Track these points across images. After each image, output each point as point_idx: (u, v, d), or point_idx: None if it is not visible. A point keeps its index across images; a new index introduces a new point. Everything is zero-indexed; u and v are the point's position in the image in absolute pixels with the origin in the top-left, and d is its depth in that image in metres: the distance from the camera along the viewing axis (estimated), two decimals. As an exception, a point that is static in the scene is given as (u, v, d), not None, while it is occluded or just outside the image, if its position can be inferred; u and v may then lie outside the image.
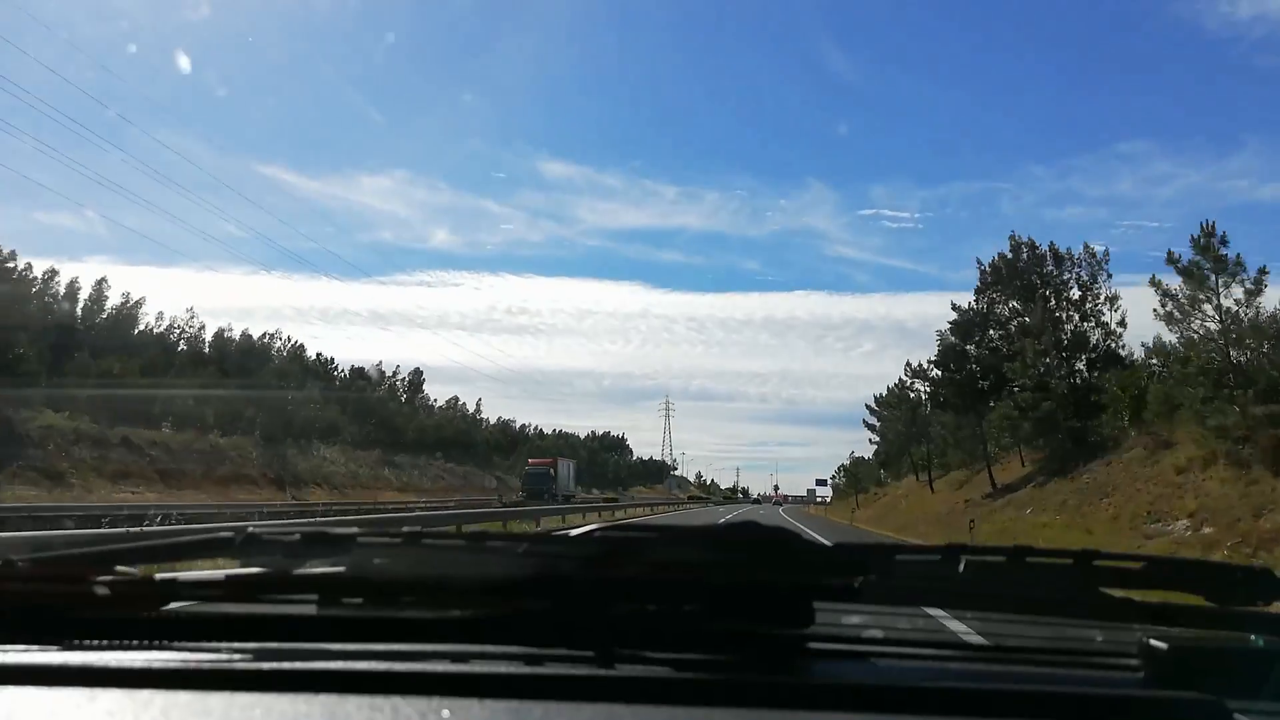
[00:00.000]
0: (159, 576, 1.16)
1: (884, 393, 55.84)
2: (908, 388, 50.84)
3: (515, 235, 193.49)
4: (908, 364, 48.76)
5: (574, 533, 1.24)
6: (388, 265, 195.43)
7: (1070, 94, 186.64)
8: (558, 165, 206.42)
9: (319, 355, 68.48)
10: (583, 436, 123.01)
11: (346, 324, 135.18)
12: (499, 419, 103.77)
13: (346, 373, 71.29)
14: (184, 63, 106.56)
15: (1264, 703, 1.01)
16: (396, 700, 0.91)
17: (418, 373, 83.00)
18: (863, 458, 79.32)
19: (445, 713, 0.89)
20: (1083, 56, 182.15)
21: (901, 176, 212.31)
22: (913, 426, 50.42)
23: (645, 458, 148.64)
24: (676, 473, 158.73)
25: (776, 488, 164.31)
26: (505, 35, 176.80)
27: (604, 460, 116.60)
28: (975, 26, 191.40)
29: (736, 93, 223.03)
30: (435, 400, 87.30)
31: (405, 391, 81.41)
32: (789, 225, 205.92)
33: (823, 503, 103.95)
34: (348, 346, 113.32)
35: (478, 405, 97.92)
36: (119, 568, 1.18)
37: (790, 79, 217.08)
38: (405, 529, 1.28)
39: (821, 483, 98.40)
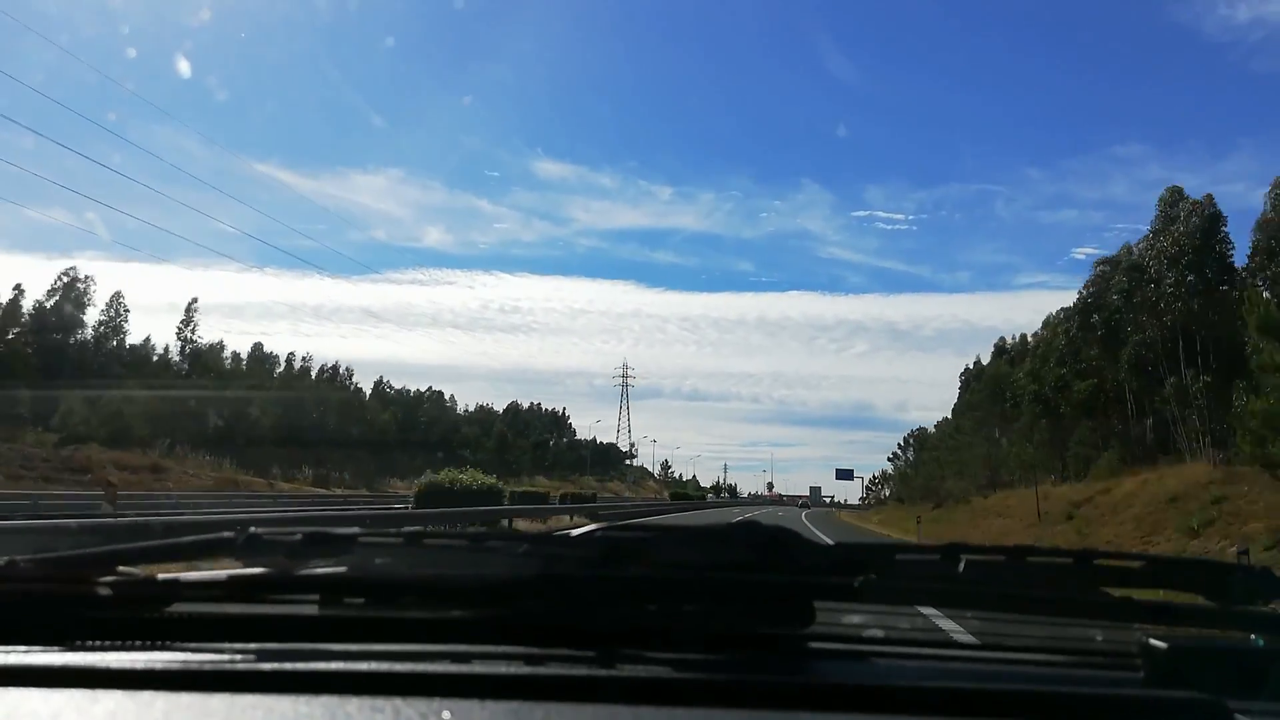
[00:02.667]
0: (161, 577, 1.17)
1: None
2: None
3: (509, 234, 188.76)
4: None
5: (574, 533, 1.25)
6: (381, 263, 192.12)
7: (1067, 96, 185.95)
8: (552, 165, 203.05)
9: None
10: (501, 410, 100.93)
11: (339, 322, 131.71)
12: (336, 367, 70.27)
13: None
14: (179, 60, 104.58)
15: (1264, 703, 1.01)
16: (397, 701, 0.91)
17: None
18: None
19: (446, 714, 0.89)
20: (1080, 59, 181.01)
21: (897, 178, 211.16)
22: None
23: (592, 441, 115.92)
24: (635, 463, 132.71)
25: (771, 485, 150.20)
26: (501, 34, 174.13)
27: (491, 442, 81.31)
28: (973, 28, 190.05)
29: (734, 93, 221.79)
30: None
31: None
32: (783, 227, 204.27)
33: (833, 505, 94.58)
34: (340, 345, 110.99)
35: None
36: (121, 568, 1.18)
37: (788, 79, 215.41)
38: (407, 529, 1.28)
39: (845, 475, 79.09)
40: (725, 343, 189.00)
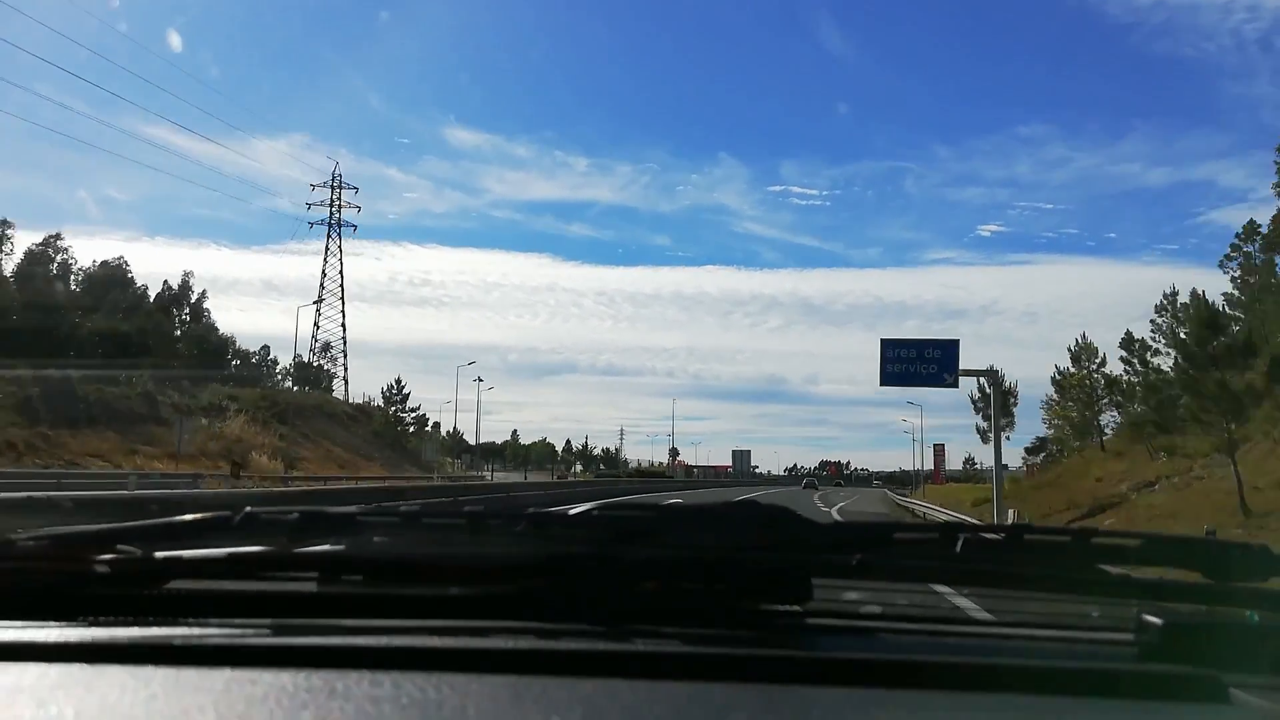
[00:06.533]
0: (160, 555, 1.17)
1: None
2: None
3: (419, 205, 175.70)
4: None
5: (572, 512, 1.25)
6: (282, 234, 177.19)
7: (974, 76, 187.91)
8: (465, 133, 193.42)
9: None
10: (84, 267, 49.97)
11: (237, 295, 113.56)
12: None
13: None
14: (62, 10, 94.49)
15: (1259, 677, 1.01)
16: (397, 675, 0.91)
17: None
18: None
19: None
20: (988, 39, 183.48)
21: (811, 154, 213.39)
22: None
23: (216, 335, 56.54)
24: (344, 384, 69.41)
25: (675, 453, 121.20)
26: None
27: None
28: (884, 8, 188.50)
29: (650, 64, 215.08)
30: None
31: None
32: (700, 201, 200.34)
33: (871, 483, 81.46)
34: (238, 319, 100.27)
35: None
36: (120, 546, 1.18)
37: (704, 52, 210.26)
38: (404, 508, 1.29)
39: (930, 370, 24.53)
40: (641, 317, 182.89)
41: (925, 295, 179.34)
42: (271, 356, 64.63)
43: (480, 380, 66.72)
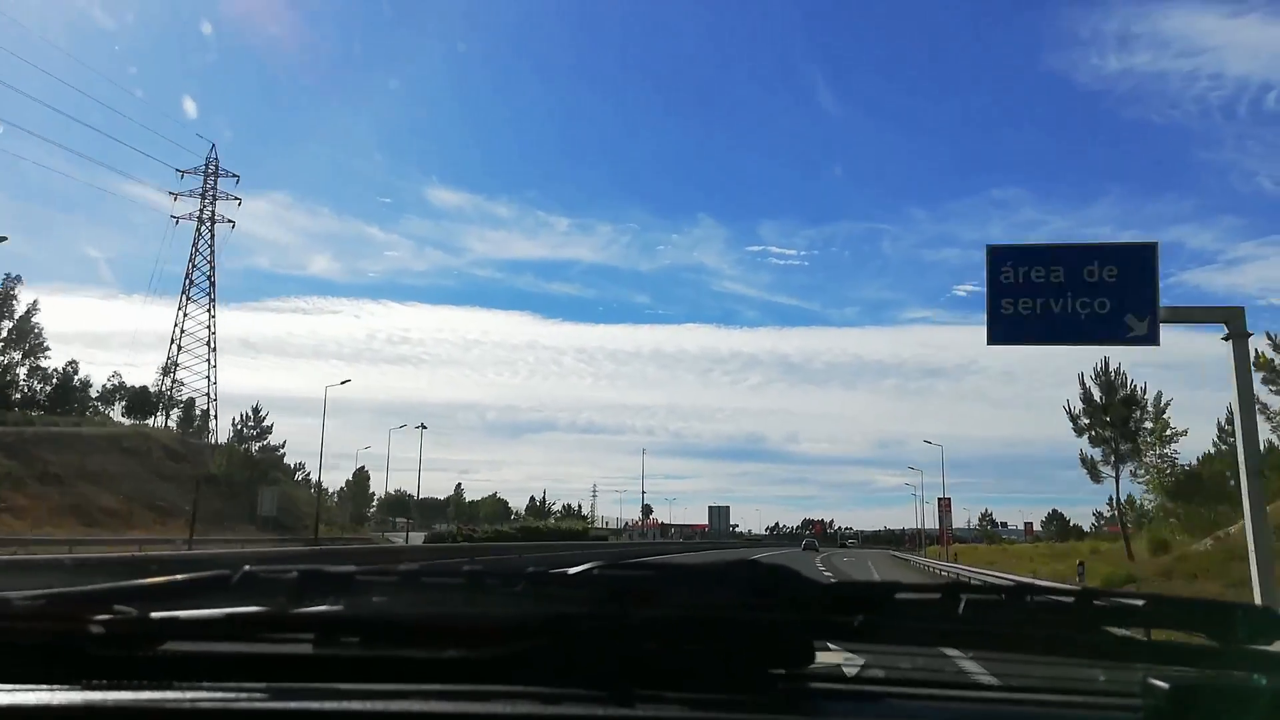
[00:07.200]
0: (157, 615, 1.16)
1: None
2: None
3: (400, 263, 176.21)
4: None
5: (571, 572, 1.24)
6: (260, 291, 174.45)
7: (950, 140, 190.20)
8: (447, 193, 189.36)
9: None
10: None
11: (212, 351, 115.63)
12: None
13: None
14: (44, 71, 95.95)
15: None
16: None
17: None
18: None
19: None
20: (962, 104, 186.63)
21: (789, 215, 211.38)
22: None
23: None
24: (215, 421, 63.01)
25: (648, 509, 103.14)
26: (396, 56, 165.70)
27: None
28: (861, 73, 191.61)
29: (630, 125, 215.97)
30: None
31: None
32: (680, 260, 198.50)
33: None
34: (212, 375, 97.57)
35: None
36: (117, 606, 1.17)
37: (683, 114, 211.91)
38: (403, 568, 1.28)
39: None
40: (621, 375, 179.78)
41: (904, 354, 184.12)
42: (84, 376, 53.64)
43: (423, 427, 61.89)
